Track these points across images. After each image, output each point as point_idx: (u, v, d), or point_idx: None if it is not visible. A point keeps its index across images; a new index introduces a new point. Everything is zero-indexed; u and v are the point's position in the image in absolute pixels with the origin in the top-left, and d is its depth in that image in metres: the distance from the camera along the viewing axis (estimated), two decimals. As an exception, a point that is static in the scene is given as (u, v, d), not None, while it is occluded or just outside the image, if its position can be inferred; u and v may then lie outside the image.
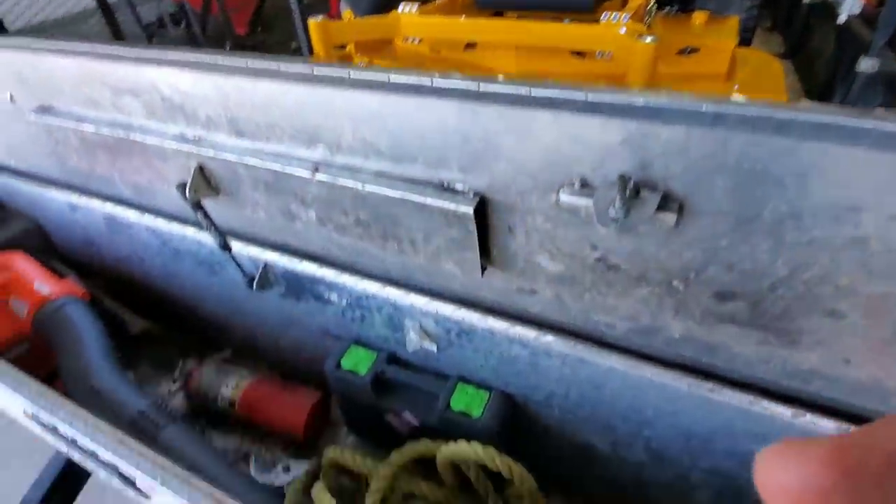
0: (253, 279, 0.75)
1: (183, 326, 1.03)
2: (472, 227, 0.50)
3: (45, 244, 1.04)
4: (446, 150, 0.48)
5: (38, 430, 0.61)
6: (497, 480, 0.69)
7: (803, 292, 0.40)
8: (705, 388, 0.51)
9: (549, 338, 0.57)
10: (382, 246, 0.61)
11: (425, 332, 0.68)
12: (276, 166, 0.59)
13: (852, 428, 0.46)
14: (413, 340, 0.68)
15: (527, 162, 0.45)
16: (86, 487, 0.93)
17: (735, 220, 0.39)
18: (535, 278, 0.53)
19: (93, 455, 0.52)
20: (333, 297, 0.73)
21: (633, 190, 0.39)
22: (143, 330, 0.94)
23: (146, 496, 0.54)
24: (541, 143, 0.43)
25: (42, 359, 0.85)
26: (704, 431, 0.57)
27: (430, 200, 0.51)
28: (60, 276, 0.93)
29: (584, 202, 0.43)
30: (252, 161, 0.61)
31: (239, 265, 0.74)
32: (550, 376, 0.62)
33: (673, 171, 0.39)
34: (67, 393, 0.73)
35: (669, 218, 0.40)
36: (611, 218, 0.40)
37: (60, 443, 0.56)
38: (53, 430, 0.54)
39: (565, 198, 0.44)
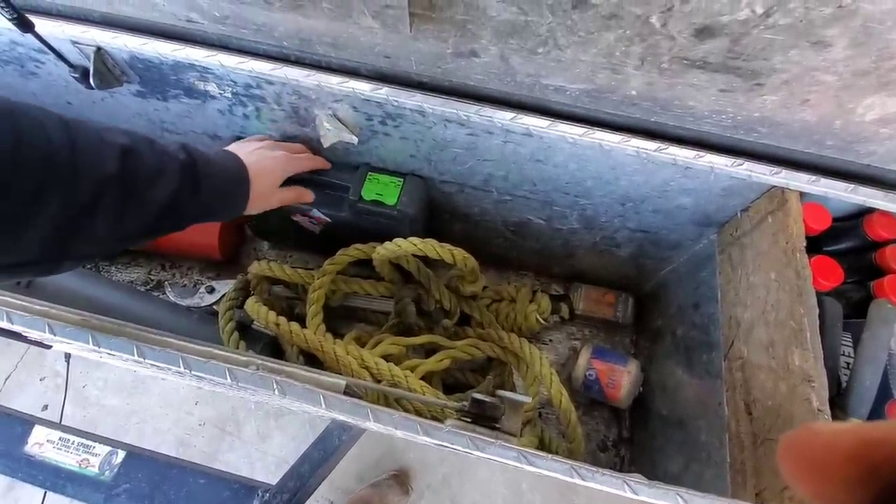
0: (87, 73, 0.55)
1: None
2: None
3: None
4: None
5: None
6: (432, 264, 0.69)
7: (798, 18, 0.34)
8: (652, 149, 0.49)
9: (489, 111, 0.49)
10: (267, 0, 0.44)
11: (341, 122, 0.56)
12: None
13: (784, 171, 0.48)
14: (329, 134, 0.57)
15: None
16: None
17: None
18: (478, 33, 0.42)
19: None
20: (212, 88, 0.56)
21: None
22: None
23: (46, 346, 0.46)
24: None
25: None
26: (639, 195, 0.58)
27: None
28: None
29: None
30: None
31: (58, 53, 0.53)
32: (490, 156, 0.57)
33: None
34: None
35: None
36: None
37: None
38: None
39: None
